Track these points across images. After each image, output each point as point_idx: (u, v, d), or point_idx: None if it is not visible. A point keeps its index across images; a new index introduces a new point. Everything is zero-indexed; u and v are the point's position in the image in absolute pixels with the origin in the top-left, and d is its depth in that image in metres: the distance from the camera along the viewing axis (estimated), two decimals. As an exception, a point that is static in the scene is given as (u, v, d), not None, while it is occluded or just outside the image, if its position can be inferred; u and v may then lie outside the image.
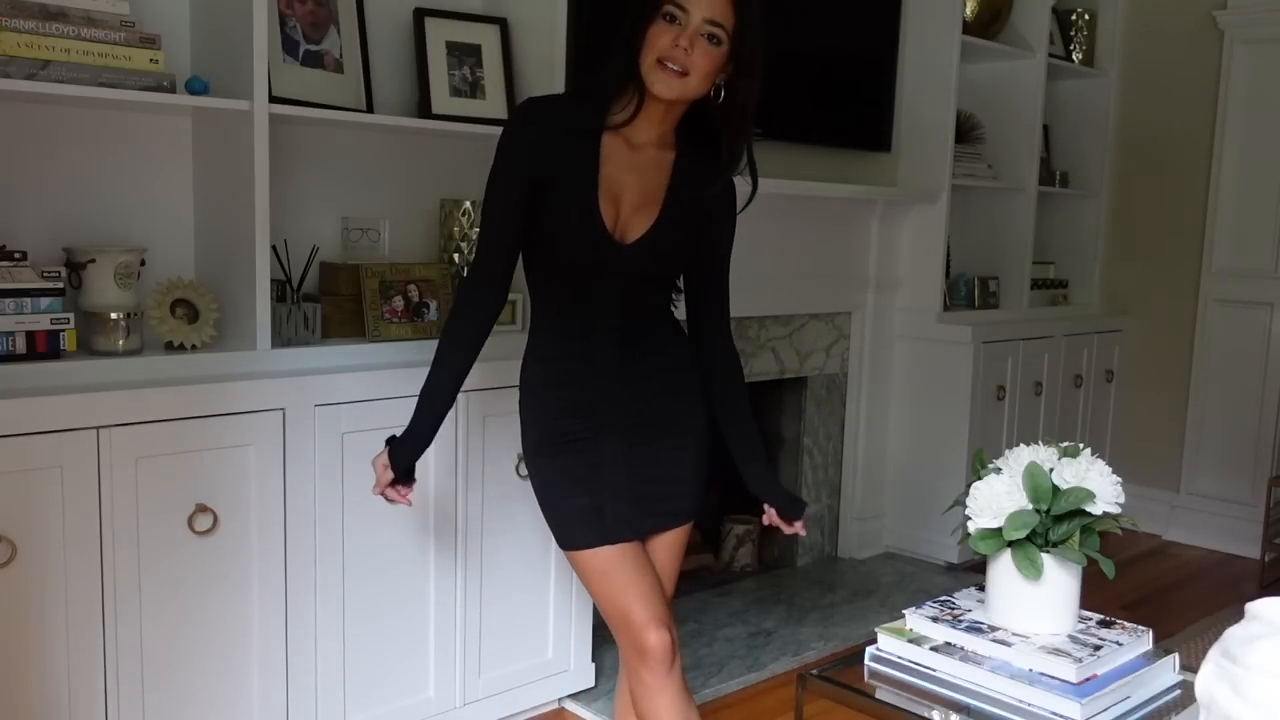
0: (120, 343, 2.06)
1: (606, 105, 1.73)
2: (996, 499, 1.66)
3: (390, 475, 1.78)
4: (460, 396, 1.87)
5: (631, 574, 1.75)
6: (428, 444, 1.80)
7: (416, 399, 1.77)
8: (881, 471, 3.99)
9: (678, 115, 1.74)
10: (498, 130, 1.80)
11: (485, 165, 1.75)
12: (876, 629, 1.74)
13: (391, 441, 1.80)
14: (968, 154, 3.97)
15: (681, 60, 1.64)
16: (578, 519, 1.77)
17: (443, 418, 1.79)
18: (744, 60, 1.70)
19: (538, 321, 1.84)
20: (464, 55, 2.60)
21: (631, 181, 1.74)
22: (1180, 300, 4.32)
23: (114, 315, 2.05)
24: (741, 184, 1.83)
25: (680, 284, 1.86)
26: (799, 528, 1.92)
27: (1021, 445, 1.74)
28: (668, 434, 1.83)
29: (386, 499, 1.81)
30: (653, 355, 1.81)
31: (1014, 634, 1.65)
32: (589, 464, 1.78)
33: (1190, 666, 1.52)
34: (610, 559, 1.76)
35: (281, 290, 2.30)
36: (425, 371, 1.77)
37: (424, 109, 2.53)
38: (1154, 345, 4.42)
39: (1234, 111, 4.13)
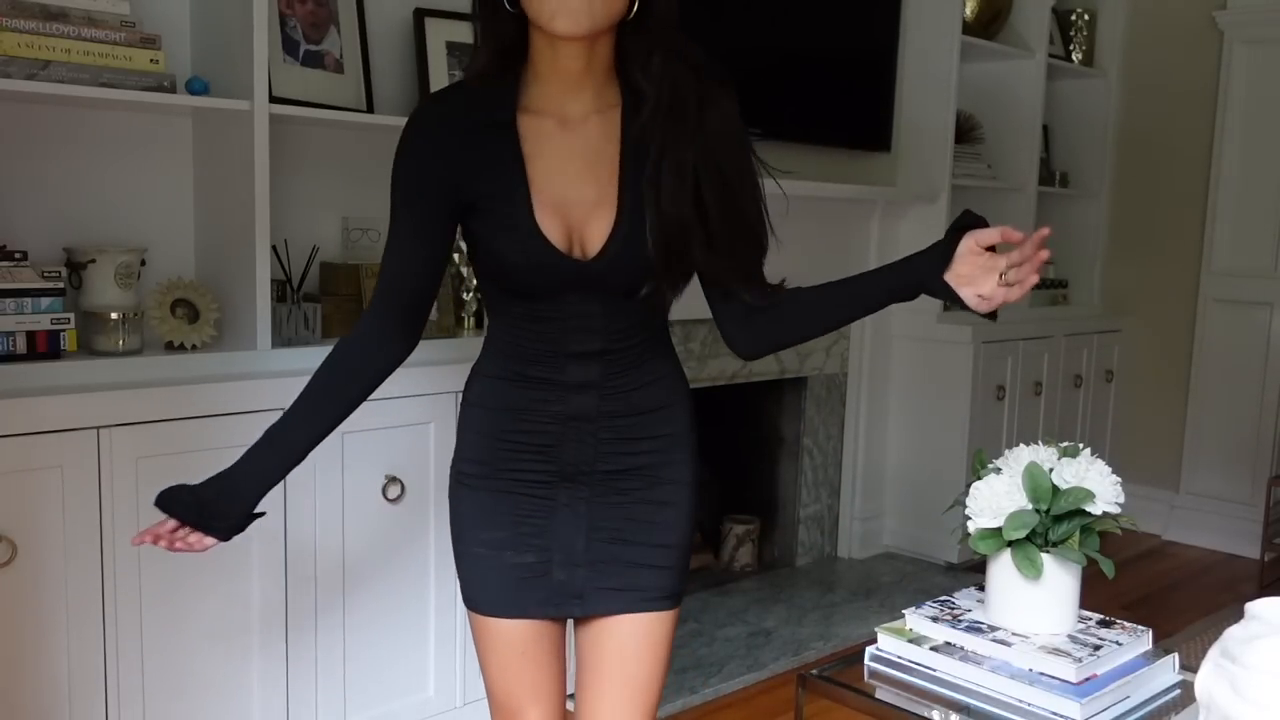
0: (120, 343, 2.06)
1: (513, 77, 1.33)
2: (996, 499, 1.65)
3: (169, 521, 1.37)
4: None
5: (541, 663, 1.44)
6: (238, 494, 1.39)
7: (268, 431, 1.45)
8: (881, 471, 3.99)
9: (606, 55, 1.32)
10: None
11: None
12: (876, 629, 1.74)
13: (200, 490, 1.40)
14: (967, 154, 3.98)
15: None
16: (505, 577, 1.40)
17: (269, 477, 1.41)
18: None
19: (492, 335, 1.44)
20: (464, 55, 2.60)
21: (576, 172, 1.32)
22: (1180, 300, 4.32)
23: (114, 315, 2.05)
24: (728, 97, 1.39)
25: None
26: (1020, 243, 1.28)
27: (1021, 445, 1.74)
28: (649, 488, 1.42)
29: (169, 546, 1.38)
30: (638, 390, 1.40)
31: (1014, 634, 1.65)
32: (538, 512, 1.40)
33: (1190, 666, 1.52)
34: (524, 638, 1.42)
35: (282, 290, 2.31)
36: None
37: (424, 109, 2.53)
38: (1154, 345, 4.42)
39: (1234, 112, 4.13)
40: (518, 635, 1.43)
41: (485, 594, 1.43)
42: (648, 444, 1.42)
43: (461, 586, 1.47)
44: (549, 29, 1.24)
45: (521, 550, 1.40)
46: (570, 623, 1.49)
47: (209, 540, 1.38)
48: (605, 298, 1.34)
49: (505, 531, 1.41)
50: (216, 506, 1.37)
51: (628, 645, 1.42)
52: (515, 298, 1.36)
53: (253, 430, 2.07)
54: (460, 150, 1.33)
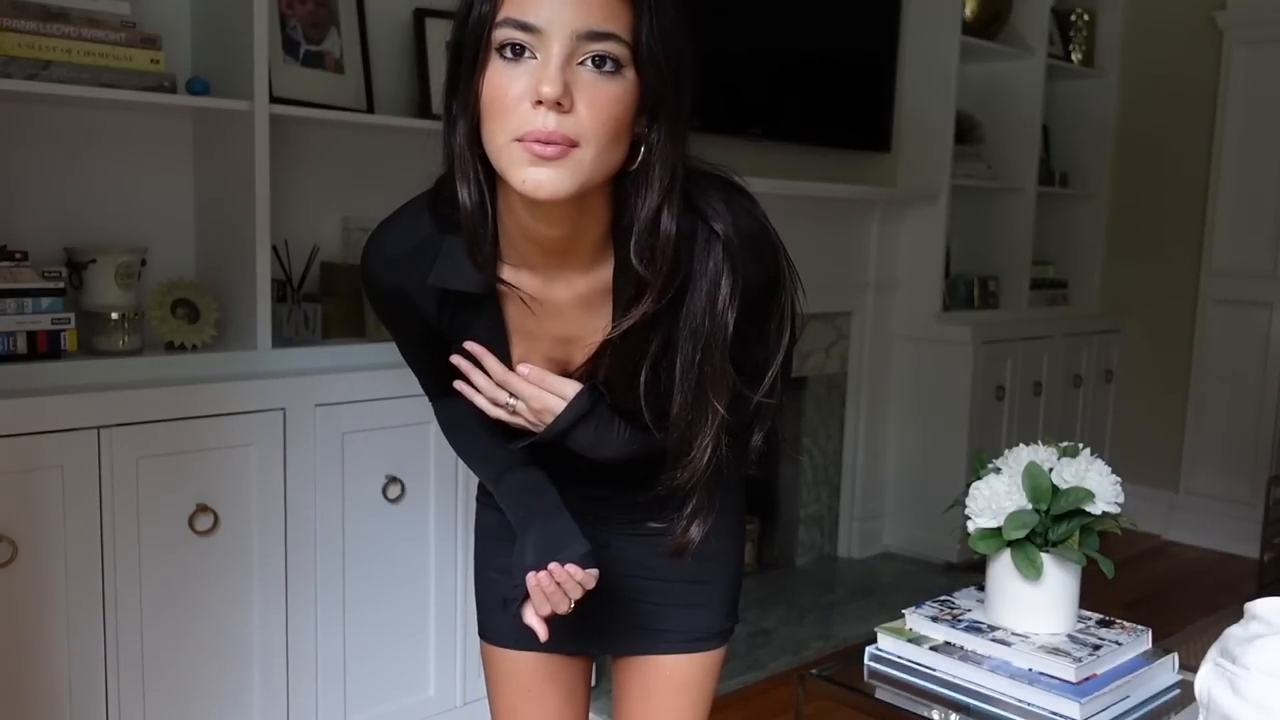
0: (121, 343, 2.06)
1: (489, 242, 1.07)
2: (996, 499, 1.66)
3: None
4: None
5: (550, 703, 1.31)
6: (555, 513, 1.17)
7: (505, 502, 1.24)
8: (881, 471, 4.00)
9: (598, 216, 1.05)
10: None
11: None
12: (876, 629, 1.74)
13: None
14: (967, 154, 3.98)
15: (552, 125, 0.93)
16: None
17: (536, 488, 1.20)
18: (655, 88, 0.98)
19: None
20: (464, 55, 2.60)
21: (570, 336, 1.13)
22: (1179, 300, 4.32)
23: (114, 315, 2.06)
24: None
25: None
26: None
27: (1021, 445, 1.74)
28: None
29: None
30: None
31: (1013, 634, 1.65)
32: None
33: (1189, 666, 1.53)
34: (534, 673, 1.30)
35: (282, 290, 2.31)
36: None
37: (424, 109, 2.53)
38: (1153, 345, 4.42)
39: (1233, 112, 4.13)
40: (526, 670, 1.31)
41: (495, 622, 1.31)
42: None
43: (481, 619, 1.36)
44: (521, 190, 0.96)
45: None
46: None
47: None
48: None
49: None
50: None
51: (656, 689, 1.29)
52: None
53: (254, 430, 2.08)
54: (430, 310, 1.14)
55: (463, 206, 1.03)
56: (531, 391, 1.12)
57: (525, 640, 1.25)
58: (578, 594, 1.10)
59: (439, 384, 1.22)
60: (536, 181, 0.95)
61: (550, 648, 1.27)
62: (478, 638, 1.37)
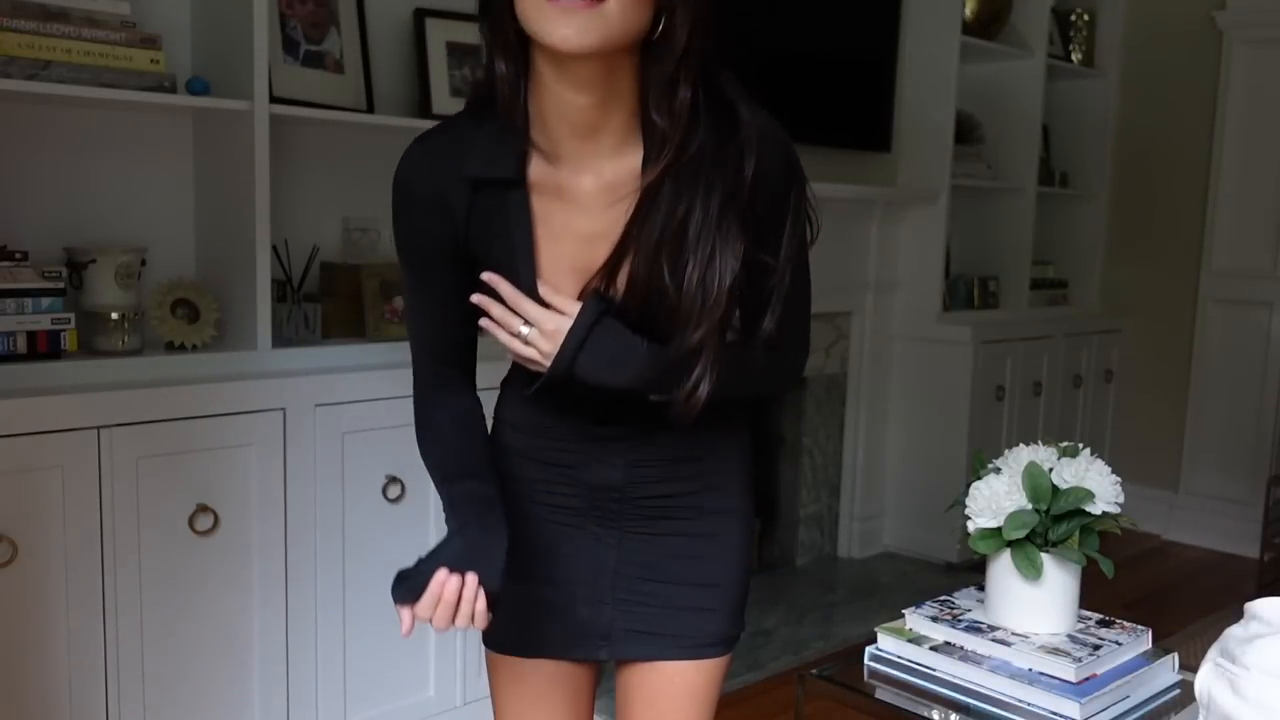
0: (121, 343, 2.06)
1: (521, 111, 1.12)
2: (996, 499, 1.66)
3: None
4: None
5: (556, 710, 1.31)
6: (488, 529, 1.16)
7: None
8: (881, 471, 4.00)
9: (626, 91, 1.09)
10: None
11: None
12: (876, 629, 1.74)
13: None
14: (967, 154, 3.98)
15: None
16: (522, 612, 1.26)
17: (484, 495, 1.19)
18: None
19: (510, 375, 1.31)
20: (464, 55, 2.60)
21: (588, 244, 1.15)
22: (1179, 300, 4.32)
23: (114, 315, 2.06)
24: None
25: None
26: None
27: (1021, 445, 1.74)
28: (692, 519, 1.26)
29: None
30: (685, 461, 1.25)
31: (1013, 634, 1.65)
32: (562, 541, 1.26)
33: (1189, 666, 1.53)
34: (539, 680, 1.29)
35: (282, 290, 2.31)
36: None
37: (424, 109, 2.53)
38: (1153, 345, 4.42)
39: (1233, 112, 4.13)
40: (531, 677, 1.30)
41: (499, 628, 1.24)
42: (690, 466, 1.25)
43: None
44: (550, 42, 1.01)
45: (541, 582, 1.27)
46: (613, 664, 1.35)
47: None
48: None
49: (523, 560, 1.22)
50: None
51: (662, 696, 1.27)
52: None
53: (254, 430, 2.08)
54: (460, 213, 1.16)
55: (499, 75, 1.09)
56: (541, 313, 1.13)
57: (529, 647, 1.28)
58: (461, 623, 1.10)
59: (438, 348, 1.23)
60: (564, 36, 1.00)
61: (558, 654, 1.29)
62: (482, 645, 1.35)
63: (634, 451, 1.24)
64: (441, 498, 1.22)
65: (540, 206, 1.15)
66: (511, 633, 1.28)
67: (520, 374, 1.24)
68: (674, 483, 1.25)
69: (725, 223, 1.11)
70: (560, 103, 1.09)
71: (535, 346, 1.14)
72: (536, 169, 1.14)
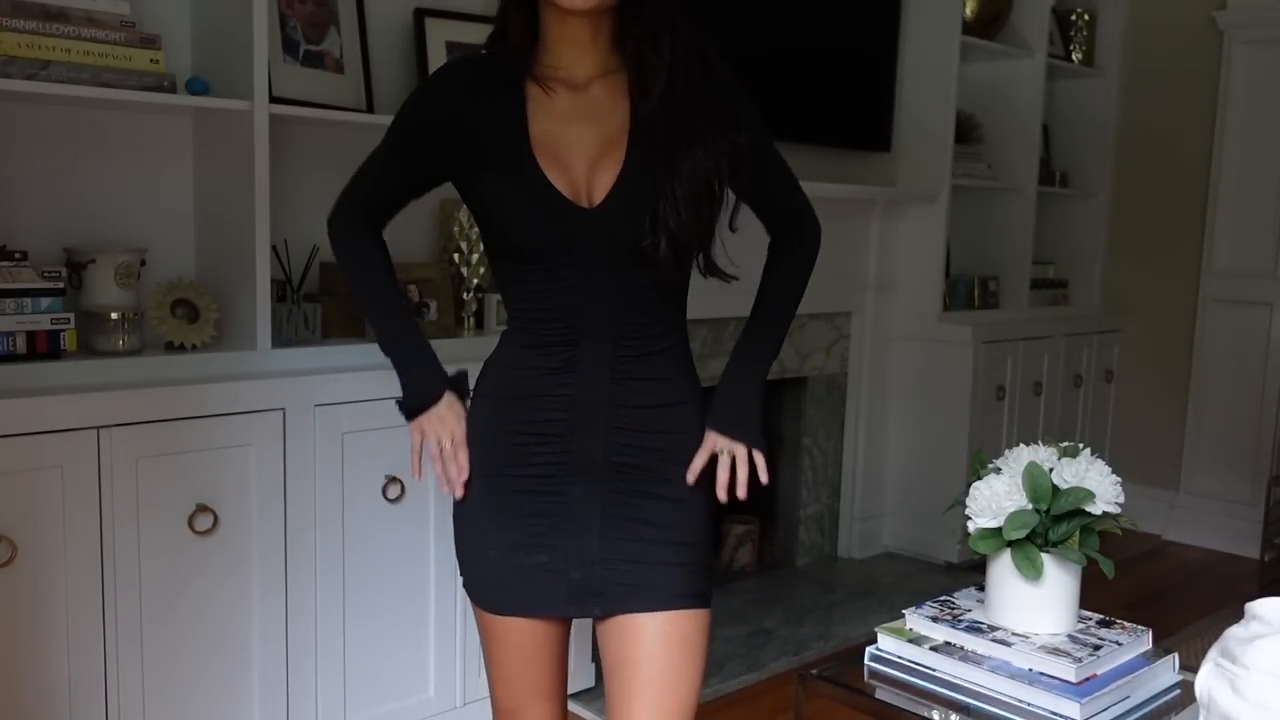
0: (120, 343, 2.06)
1: (528, 47, 1.40)
2: (996, 499, 1.66)
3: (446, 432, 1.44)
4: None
5: (548, 663, 1.46)
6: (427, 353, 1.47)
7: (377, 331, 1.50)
8: (881, 471, 4.00)
9: (610, 28, 1.38)
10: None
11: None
12: (876, 629, 1.74)
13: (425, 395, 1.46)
14: (967, 154, 3.98)
15: None
16: (519, 577, 1.40)
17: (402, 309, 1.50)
18: None
19: (508, 331, 1.46)
20: (464, 55, 2.60)
21: (580, 134, 1.37)
22: (1180, 300, 4.32)
23: (114, 315, 2.06)
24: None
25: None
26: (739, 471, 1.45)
27: (1021, 445, 1.74)
28: (661, 482, 1.42)
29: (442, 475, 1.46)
30: (651, 381, 1.41)
31: (1014, 634, 1.65)
32: (549, 511, 1.40)
33: (1190, 666, 1.53)
34: (535, 637, 1.43)
35: (282, 290, 2.31)
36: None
37: (424, 109, 2.53)
38: (1154, 345, 4.42)
39: (1234, 112, 4.13)
40: (528, 635, 1.43)
41: (497, 593, 1.42)
42: (660, 439, 1.41)
43: (469, 585, 1.47)
44: (559, 2, 1.30)
45: (534, 550, 1.40)
46: (592, 626, 1.49)
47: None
48: (613, 260, 1.34)
49: (516, 532, 1.40)
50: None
51: (654, 644, 1.38)
52: (526, 265, 1.37)
53: (253, 430, 2.08)
54: (469, 106, 1.39)
55: (512, 20, 1.39)
56: (727, 458, 1.46)
57: (528, 607, 1.42)
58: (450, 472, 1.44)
59: (383, 196, 1.49)
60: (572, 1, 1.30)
61: (552, 612, 1.42)
62: (471, 605, 1.47)
63: (615, 419, 1.39)
64: (375, 312, 1.49)
65: (536, 96, 1.39)
66: (509, 596, 1.42)
67: (517, 348, 1.43)
68: (644, 452, 1.41)
69: (707, 110, 1.37)
70: (561, 35, 1.37)
71: (754, 464, 1.46)
72: (538, 71, 1.39)
